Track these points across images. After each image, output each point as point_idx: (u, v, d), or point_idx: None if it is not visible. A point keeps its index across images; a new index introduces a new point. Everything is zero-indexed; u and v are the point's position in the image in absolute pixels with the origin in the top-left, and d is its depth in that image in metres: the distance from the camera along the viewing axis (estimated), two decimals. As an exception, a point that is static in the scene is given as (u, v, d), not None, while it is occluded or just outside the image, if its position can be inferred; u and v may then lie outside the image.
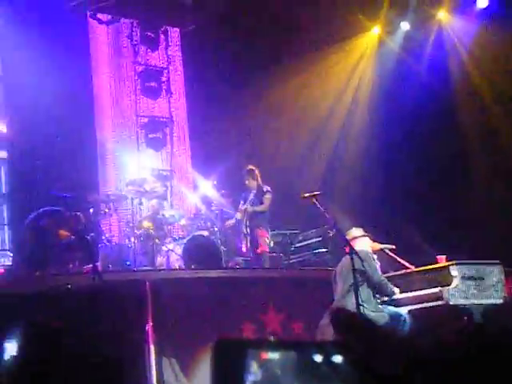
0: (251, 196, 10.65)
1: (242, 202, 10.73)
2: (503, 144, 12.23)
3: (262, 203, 10.53)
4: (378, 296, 7.89)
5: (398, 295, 8.02)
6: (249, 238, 10.44)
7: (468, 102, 12.62)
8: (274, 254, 10.96)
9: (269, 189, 10.60)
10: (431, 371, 1.63)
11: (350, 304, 7.46)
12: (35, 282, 8.46)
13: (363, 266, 7.60)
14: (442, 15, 13.11)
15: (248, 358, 1.68)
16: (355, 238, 8.05)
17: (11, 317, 7.37)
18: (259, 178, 10.72)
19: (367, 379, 1.65)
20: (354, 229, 8.26)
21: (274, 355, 1.73)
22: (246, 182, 10.76)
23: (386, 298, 8.01)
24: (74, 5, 12.62)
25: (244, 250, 10.55)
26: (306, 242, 11.79)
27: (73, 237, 9.24)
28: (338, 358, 1.71)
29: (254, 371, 1.69)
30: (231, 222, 10.77)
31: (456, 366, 1.64)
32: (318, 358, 1.71)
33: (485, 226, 11.85)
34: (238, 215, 10.59)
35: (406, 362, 1.65)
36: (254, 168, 10.79)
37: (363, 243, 8.07)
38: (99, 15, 13.23)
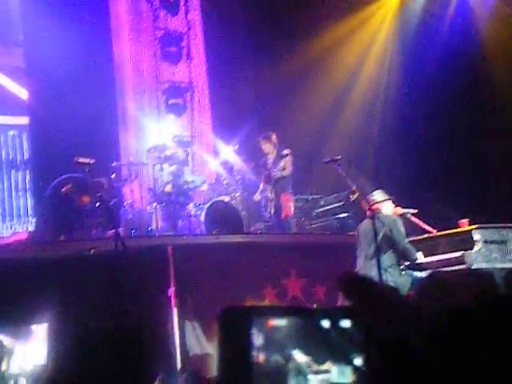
0: (270, 161, 10.60)
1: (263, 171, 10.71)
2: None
3: (283, 167, 10.45)
4: (401, 261, 7.87)
5: (421, 259, 8.00)
6: (274, 203, 10.40)
7: (492, 62, 12.39)
8: (295, 219, 10.95)
9: (288, 152, 10.50)
10: (442, 340, 1.61)
11: (374, 269, 7.44)
12: (58, 247, 8.53)
13: (390, 231, 7.57)
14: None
15: (254, 326, 1.67)
16: (378, 202, 7.98)
17: (35, 282, 7.47)
18: (276, 143, 10.64)
19: (374, 344, 1.63)
20: (376, 192, 8.15)
21: (280, 322, 1.72)
22: (263, 148, 10.71)
23: (408, 263, 7.99)
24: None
25: (267, 215, 10.53)
26: (327, 207, 11.77)
27: (95, 203, 9.29)
28: (345, 323, 1.71)
29: (261, 338, 1.68)
30: (259, 196, 10.71)
31: (471, 335, 1.61)
32: (326, 324, 1.71)
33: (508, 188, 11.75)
34: (259, 193, 10.60)
35: (414, 329, 1.63)
36: (270, 133, 10.72)
37: (387, 207, 8.00)
38: (119, -21, 13.15)
